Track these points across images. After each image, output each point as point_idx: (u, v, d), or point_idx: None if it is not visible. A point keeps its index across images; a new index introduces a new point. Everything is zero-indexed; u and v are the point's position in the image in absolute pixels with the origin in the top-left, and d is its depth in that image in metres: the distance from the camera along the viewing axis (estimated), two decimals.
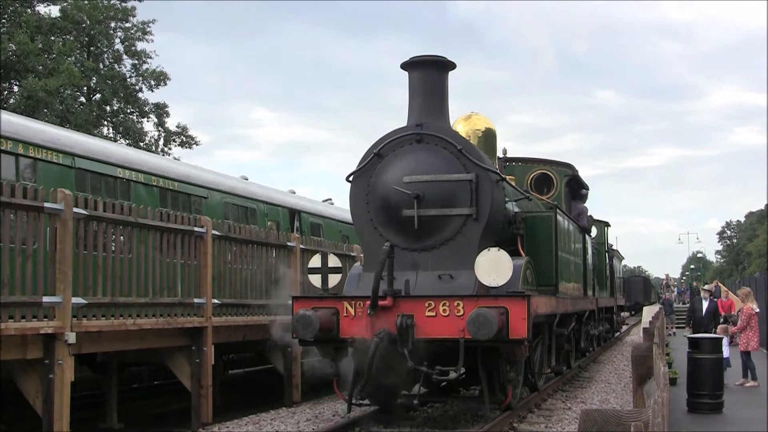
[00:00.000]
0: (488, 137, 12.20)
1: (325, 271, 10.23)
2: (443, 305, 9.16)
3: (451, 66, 10.73)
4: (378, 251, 9.56)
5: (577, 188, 16.08)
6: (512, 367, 10.08)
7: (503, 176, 11.09)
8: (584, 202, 16.65)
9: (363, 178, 10.54)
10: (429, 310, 9.20)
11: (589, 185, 16.67)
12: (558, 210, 12.09)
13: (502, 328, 8.86)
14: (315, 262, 10.36)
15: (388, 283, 9.36)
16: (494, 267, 9.19)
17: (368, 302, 9.26)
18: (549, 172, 15.00)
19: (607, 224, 22.70)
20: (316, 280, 10.27)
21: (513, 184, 12.44)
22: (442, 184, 10.05)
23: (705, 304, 16.79)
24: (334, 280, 10.21)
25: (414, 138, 10.33)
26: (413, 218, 9.93)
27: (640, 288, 45.69)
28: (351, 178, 10.69)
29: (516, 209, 11.50)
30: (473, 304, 9.00)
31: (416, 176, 10.04)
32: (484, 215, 10.03)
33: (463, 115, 12.36)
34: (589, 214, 16.67)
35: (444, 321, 9.12)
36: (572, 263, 13.48)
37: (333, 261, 10.29)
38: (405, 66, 10.66)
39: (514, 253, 9.96)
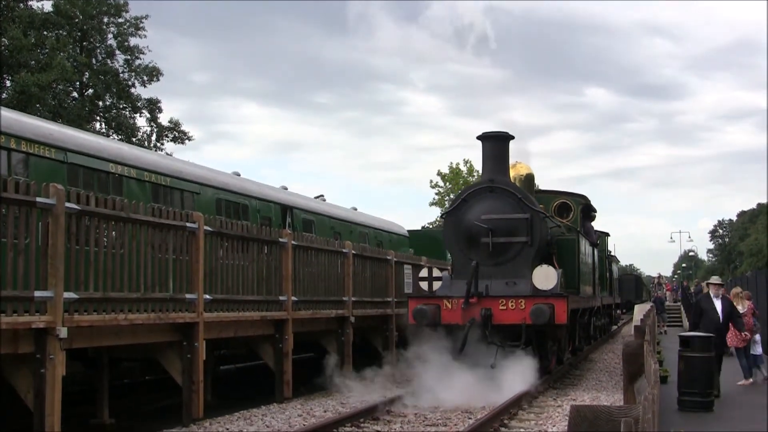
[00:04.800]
0: (529, 180, 17.26)
1: (430, 279, 14.62)
2: (511, 302, 13.71)
3: (511, 137, 15.26)
4: (463, 266, 14.53)
5: (588, 212, 20.32)
6: (554, 344, 14.62)
7: (547, 214, 15.76)
8: (592, 222, 21.07)
9: (454, 215, 15.10)
10: (501, 305, 13.69)
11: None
12: (579, 234, 17.04)
13: (551, 317, 13.36)
14: (424, 273, 14.85)
15: (474, 287, 13.75)
16: (545, 277, 13.79)
17: (461, 300, 13.75)
18: (568, 201, 19.25)
19: (607, 234, 26.92)
20: (425, 285, 14.64)
21: (547, 215, 16.45)
22: (507, 221, 14.52)
23: (718, 304, 13.16)
24: (436, 285, 14.55)
25: (488, 189, 14.91)
26: (488, 244, 14.38)
27: (632, 286, 45.91)
28: (444, 216, 15.37)
29: (551, 235, 15.66)
30: (531, 302, 13.55)
31: (490, 215, 14.52)
32: (536, 242, 14.54)
33: (510, 163, 15.88)
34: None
35: (512, 312, 13.64)
36: (586, 272, 17.61)
37: (436, 272, 14.73)
38: (480, 138, 15.15)
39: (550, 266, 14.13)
